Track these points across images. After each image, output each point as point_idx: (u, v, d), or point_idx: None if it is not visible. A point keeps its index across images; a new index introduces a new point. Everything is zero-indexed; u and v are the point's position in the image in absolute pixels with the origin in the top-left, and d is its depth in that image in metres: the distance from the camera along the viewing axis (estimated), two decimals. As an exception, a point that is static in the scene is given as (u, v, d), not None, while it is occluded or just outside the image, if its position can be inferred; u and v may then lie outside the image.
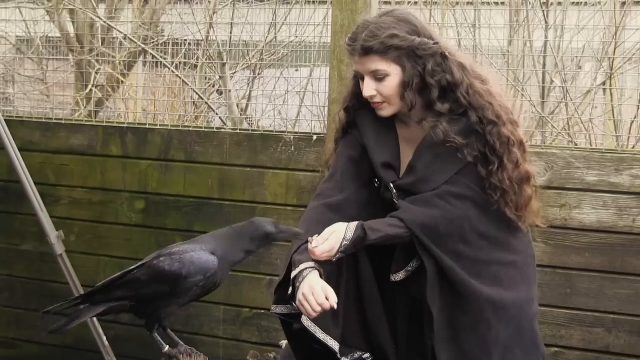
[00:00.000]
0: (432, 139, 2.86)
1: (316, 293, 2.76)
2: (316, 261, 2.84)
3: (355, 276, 3.00)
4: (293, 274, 2.85)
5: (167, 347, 3.61)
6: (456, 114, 2.85)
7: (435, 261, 2.84)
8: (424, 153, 2.89)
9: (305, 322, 2.90)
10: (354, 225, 2.82)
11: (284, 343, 4.36)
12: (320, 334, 2.91)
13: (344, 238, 2.80)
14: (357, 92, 2.98)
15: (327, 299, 2.76)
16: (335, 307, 2.77)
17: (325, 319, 2.89)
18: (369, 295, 2.99)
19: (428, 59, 2.83)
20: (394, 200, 2.92)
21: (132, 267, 3.69)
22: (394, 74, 2.85)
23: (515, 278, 2.93)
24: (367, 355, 2.99)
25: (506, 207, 2.86)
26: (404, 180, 2.92)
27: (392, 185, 2.93)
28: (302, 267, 2.84)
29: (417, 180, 2.88)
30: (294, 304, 2.88)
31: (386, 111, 2.92)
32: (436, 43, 2.85)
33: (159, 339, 3.64)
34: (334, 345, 2.92)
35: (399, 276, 2.93)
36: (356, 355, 2.97)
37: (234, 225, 3.63)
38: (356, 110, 3.02)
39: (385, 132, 2.98)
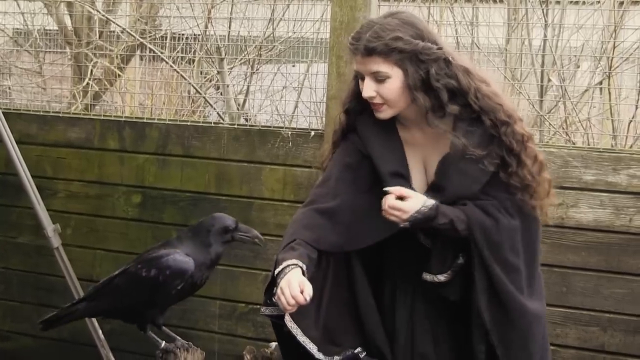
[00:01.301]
0: (453, 156, 2.85)
1: (292, 286, 2.73)
2: (299, 259, 2.81)
3: (346, 277, 2.99)
4: (276, 272, 2.82)
5: (163, 343, 3.63)
6: (468, 119, 2.84)
7: (485, 269, 2.84)
8: (449, 171, 2.87)
9: (288, 323, 2.89)
10: (431, 201, 2.81)
11: (273, 344, 4.37)
12: (301, 337, 2.90)
13: (418, 211, 2.80)
14: (357, 92, 2.95)
15: (302, 292, 2.74)
16: (309, 299, 2.74)
17: (306, 320, 2.89)
18: (362, 295, 2.98)
19: (431, 64, 2.80)
20: None
21: (115, 273, 3.74)
22: (395, 77, 2.82)
23: (541, 285, 2.97)
24: (359, 349, 2.98)
25: (532, 199, 2.87)
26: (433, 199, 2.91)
27: None
28: (284, 264, 2.81)
29: (446, 200, 2.86)
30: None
31: (385, 113, 2.89)
32: (440, 48, 2.82)
33: (154, 336, 3.67)
34: (312, 348, 2.91)
35: (440, 278, 2.91)
36: (349, 353, 2.97)
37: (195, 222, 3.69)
38: (357, 113, 2.98)
39: (388, 138, 2.95)
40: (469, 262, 2.88)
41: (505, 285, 2.83)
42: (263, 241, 3.77)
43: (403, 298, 3.00)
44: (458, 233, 2.84)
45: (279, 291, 2.76)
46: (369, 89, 2.85)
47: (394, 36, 2.79)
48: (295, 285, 2.73)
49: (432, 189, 2.89)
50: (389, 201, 2.81)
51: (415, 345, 2.97)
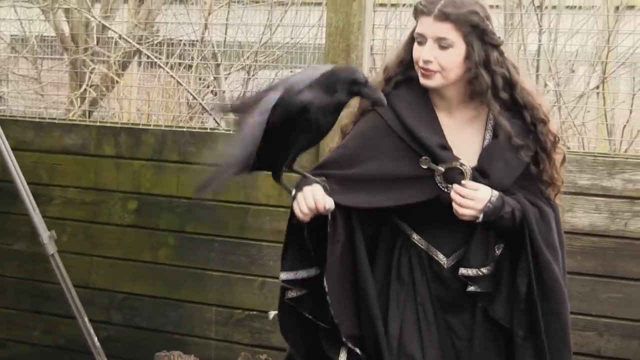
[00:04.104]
0: (500, 143, 2.89)
1: (315, 193, 2.76)
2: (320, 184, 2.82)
3: (350, 266, 2.95)
4: (299, 182, 2.84)
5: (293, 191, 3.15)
6: (511, 110, 2.88)
7: (537, 257, 2.86)
8: (494, 158, 2.90)
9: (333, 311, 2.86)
10: (496, 192, 2.84)
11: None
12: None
13: (489, 201, 2.82)
14: (407, 60, 2.94)
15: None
16: (330, 210, 2.75)
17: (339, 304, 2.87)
18: (365, 284, 2.95)
19: (491, 49, 2.84)
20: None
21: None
22: (459, 48, 2.82)
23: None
24: (361, 354, 2.96)
25: (555, 197, 2.95)
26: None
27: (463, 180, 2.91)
28: (310, 177, 2.84)
29: (490, 185, 2.87)
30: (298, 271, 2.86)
31: (433, 81, 2.88)
32: (499, 37, 2.88)
33: (286, 184, 3.25)
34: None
35: (484, 270, 2.90)
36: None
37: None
38: (397, 83, 2.97)
39: (426, 114, 2.94)
40: (503, 252, 2.91)
41: (554, 273, 2.87)
42: (385, 104, 3.51)
43: (395, 300, 2.98)
44: (514, 222, 2.86)
45: (300, 195, 2.78)
46: (428, 52, 2.84)
47: (472, 9, 2.81)
48: (319, 195, 2.76)
49: (477, 172, 2.90)
50: (462, 191, 2.82)
51: (402, 346, 2.95)
